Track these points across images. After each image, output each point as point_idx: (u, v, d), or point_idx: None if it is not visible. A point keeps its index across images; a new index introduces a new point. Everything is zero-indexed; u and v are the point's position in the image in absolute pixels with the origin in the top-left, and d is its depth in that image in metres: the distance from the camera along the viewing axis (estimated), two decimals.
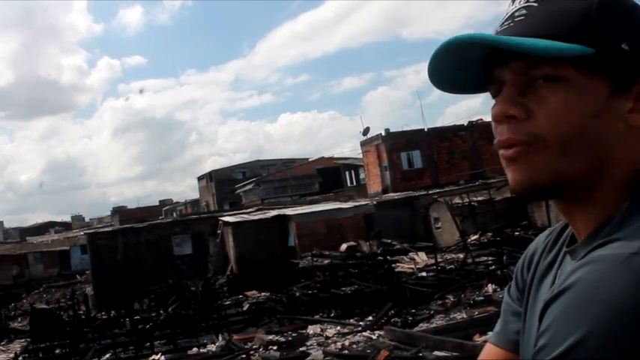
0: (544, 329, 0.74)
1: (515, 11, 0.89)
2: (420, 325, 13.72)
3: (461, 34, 0.86)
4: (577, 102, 0.82)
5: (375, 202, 30.84)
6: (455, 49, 0.87)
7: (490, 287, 15.86)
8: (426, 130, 39.51)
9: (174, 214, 65.47)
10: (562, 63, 0.82)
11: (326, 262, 23.81)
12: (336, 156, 55.75)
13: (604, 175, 0.84)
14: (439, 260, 19.84)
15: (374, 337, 12.95)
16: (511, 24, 0.88)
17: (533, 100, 0.84)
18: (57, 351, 16.59)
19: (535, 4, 0.87)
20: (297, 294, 19.81)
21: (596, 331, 0.67)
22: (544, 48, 0.81)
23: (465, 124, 39.59)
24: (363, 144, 41.63)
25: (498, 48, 0.84)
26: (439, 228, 28.47)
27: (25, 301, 38.34)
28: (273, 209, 33.94)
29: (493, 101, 0.90)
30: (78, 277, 44.95)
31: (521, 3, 0.89)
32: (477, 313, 13.59)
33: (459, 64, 0.91)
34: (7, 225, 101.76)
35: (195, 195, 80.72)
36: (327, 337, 13.78)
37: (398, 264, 21.51)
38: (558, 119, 0.83)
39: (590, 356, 0.67)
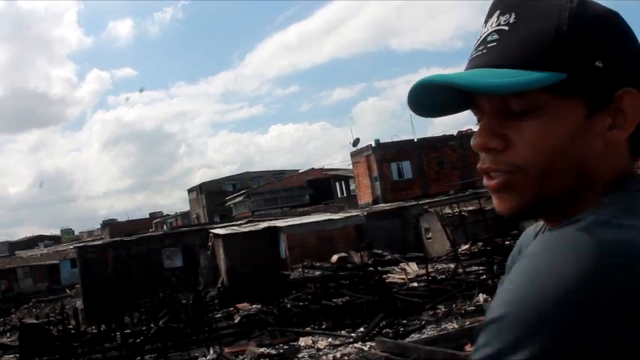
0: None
1: (488, 35, 0.87)
2: (412, 335, 13.70)
3: (424, 78, 0.85)
4: (553, 128, 0.82)
5: (365, 213, 30.85)
6: (427, 87, 0.86)
7: (481, 297, 15.88)
8: (415, 140, 39.69)
9: (165, 227, 65.16)
10: (536, 90, 0.81)
11: (317, 273, 23.78)
12: (326, 167, 55.96)
13: (586, 189, 0.85)
14: (430, 270, 19.85)
15: (365, 349, 12.93)
16: (484, 50, 0.86)
17: (512, 128, 0.84)
18: None
19: (506, 28, 0.85)
20: (289, 306, 19.77)
21: (516, 302, 0.70)
22: (505, 86, 0.80)
23: (455, 134, 39.75)
24: (353, 155, 41.73)
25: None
26: (430, 238, 28.49)
27: (14, 315, 38.03)
28: (263, 221, 33.92)
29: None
30: (67, 291, 44.66)
31: (493, 26, 0.87)
32: (468, 323, 13.59)
33: (435, 96, 0.89)
34: None
35: (186, 207, 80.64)
36: (318, 349, 13.75)
37: (389, 274, 21.51)
38: (536, 148, 0.82)
39: (511, 327, 0.70)
